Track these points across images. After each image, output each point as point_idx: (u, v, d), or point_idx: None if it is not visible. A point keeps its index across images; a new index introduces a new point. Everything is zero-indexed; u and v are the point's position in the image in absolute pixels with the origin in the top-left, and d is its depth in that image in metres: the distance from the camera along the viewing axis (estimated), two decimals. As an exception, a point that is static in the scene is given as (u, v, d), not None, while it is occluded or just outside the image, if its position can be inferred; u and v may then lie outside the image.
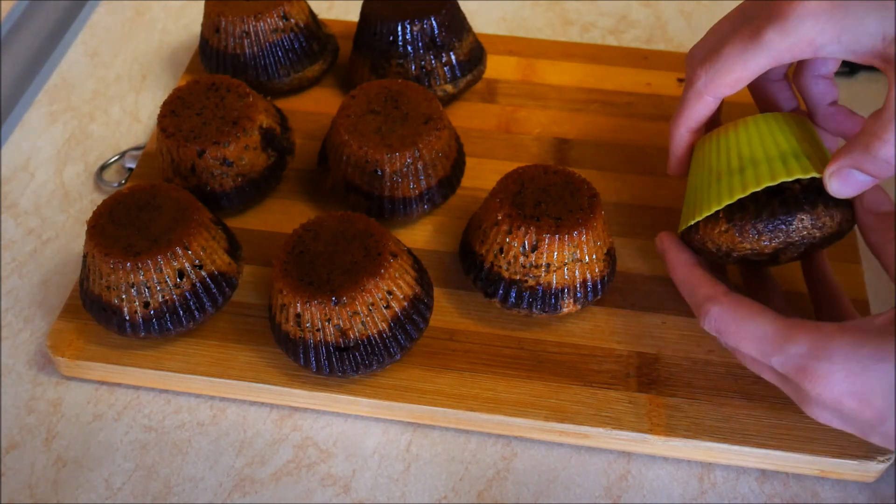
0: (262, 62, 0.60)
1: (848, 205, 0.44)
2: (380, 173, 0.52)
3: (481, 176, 0.58)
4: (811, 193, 0.43)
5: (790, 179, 0.43)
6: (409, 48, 0.59)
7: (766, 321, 0.41)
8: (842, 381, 0.38)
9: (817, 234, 0.44)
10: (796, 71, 0.49)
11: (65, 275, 0.56)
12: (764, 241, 0.44)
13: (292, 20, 0.60)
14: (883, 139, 0.40)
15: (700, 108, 0.47)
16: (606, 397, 0.48)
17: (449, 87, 0.61)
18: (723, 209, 0.45)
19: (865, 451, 0.46)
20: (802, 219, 0.43)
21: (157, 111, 0.59)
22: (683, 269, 0.47)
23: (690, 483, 0.47)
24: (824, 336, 0.39)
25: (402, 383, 0.49)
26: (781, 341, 0.40)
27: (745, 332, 0.42)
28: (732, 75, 0.44)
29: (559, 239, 0.46)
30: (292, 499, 0.47)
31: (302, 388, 0.49)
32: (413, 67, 0.59)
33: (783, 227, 0.43)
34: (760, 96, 0.52)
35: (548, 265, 0.47)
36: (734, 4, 0.61)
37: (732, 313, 0.42)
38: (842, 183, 0.42)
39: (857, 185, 0.42)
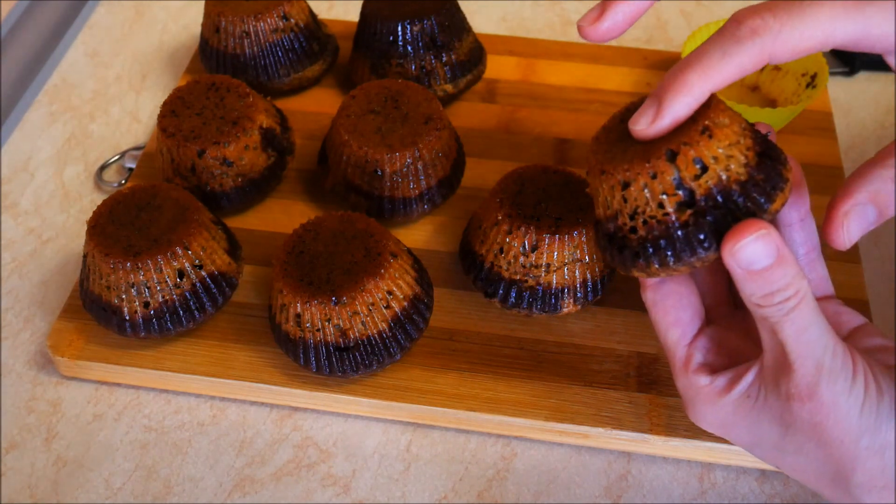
0: (262, 62, 0.60)
1: (693, 255, 0.35)
2: (380, 173, 0.52)
3: (481, 176, 0.58)
4: (648, 246, 0.36)
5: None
6: (409, 48, 0.59)
7: (667, 347, 0.41)
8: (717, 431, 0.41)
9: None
10: None
11: (65, 275, 0.56)
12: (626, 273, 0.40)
13: (292, 20, 0.60)
14: None
15: (749, 65, 0.34)
16: (606, 397, 0.48)
17: (449, 87, 0.61)
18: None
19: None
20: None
21: (157, 111, 0.59)
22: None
23: (690, 483, 0.47)
24: (692, 394, 0.40)
25: (402, 383, 0.49)
26: (674, 376, 0.41)
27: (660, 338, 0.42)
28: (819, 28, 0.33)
29: (559, 239, 0.46)
30: (292, 499, 0.47)
31: (302, 388, 0.49)
32: (413, 67, 0.59)
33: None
34: None
35: (548, 265, 0.47)
36: (733, 5, 0.61)
37: (651, 312, 0.41)
38: (860, 222, 0.36)
39: (867, 225, 0.36)
